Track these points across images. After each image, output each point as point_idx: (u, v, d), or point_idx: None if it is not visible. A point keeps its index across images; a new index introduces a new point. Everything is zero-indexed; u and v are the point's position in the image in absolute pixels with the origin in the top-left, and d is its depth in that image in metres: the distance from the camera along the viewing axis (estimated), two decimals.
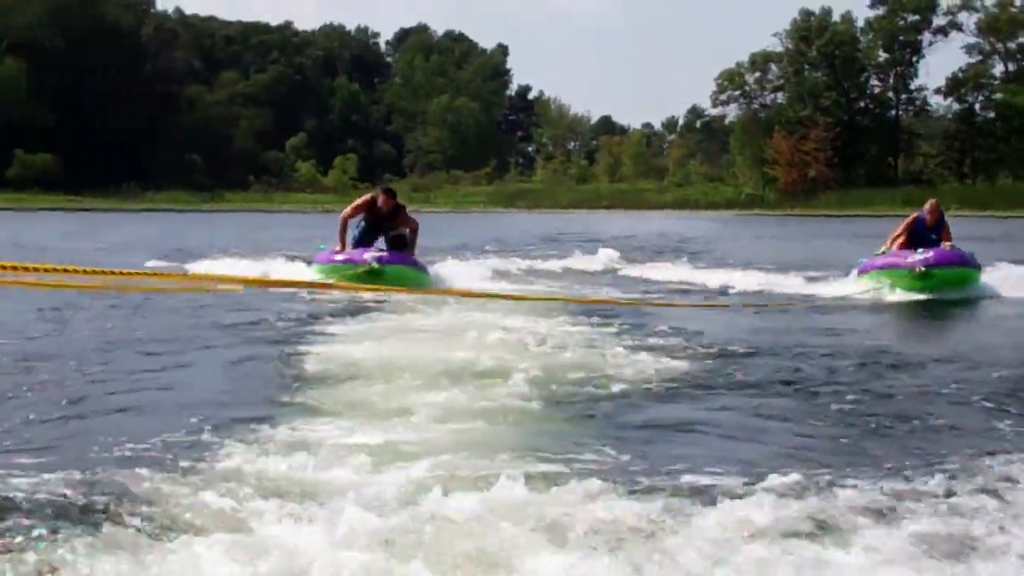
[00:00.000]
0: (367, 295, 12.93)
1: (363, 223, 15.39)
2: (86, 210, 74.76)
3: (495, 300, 11.93)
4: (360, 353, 8.69)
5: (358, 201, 15.58)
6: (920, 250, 14.23)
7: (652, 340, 9.73)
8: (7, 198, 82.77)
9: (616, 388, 7.39)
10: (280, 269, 16.86)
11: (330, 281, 13.95)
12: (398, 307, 12.21)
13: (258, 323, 11.04)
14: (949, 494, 4.75)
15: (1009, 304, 13.72)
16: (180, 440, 5.72)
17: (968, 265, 14.23)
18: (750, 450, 5.76)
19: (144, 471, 4.91)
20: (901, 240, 15.07)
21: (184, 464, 5.18)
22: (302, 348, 8.99)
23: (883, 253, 15.02)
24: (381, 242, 15.32)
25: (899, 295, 13.83)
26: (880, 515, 4.40)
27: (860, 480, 4.95)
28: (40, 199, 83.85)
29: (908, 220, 15.20)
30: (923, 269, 13.64)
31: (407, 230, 15.24)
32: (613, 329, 10.58)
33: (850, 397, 7.18)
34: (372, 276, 13.79)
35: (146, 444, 5.57)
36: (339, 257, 14.85)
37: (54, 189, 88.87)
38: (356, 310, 11.97)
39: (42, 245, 28.11)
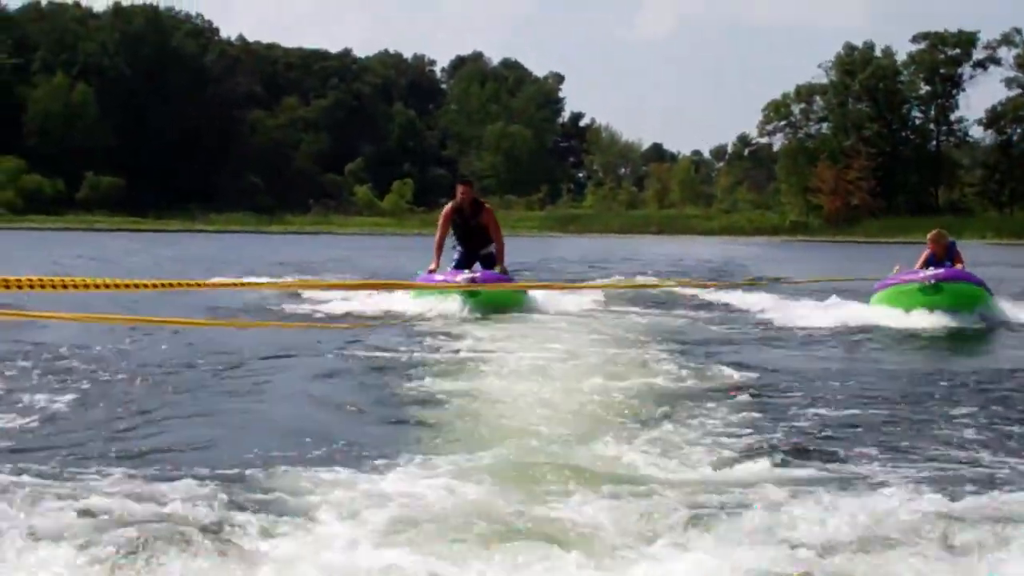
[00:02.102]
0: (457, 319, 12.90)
1: (457, 245, 15.22)
2: (155, 231, 77.40)
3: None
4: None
5: (441, 219, 15.21)
6: (931, 268, 14.70)
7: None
8: (77, 219, 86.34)
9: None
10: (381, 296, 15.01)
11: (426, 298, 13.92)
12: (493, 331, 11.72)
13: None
14: None
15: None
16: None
17: (977, 284, 14.44)
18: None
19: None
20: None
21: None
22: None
23: (897, 272, 15.32)
24: (477, 266, 14.98)
25: (906, 319, 13.85)
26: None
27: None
28: (108, 220, 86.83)
29: (924, 254, 15.40)
30: (933, 282, 14.01)
31: (494, 248, 15.14)
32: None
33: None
34: (471, 297, 13.55)
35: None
36: (437, 277, 14.45)
37: (121, 210, 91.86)
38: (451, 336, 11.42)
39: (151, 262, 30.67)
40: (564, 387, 7.98)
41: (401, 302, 14.22)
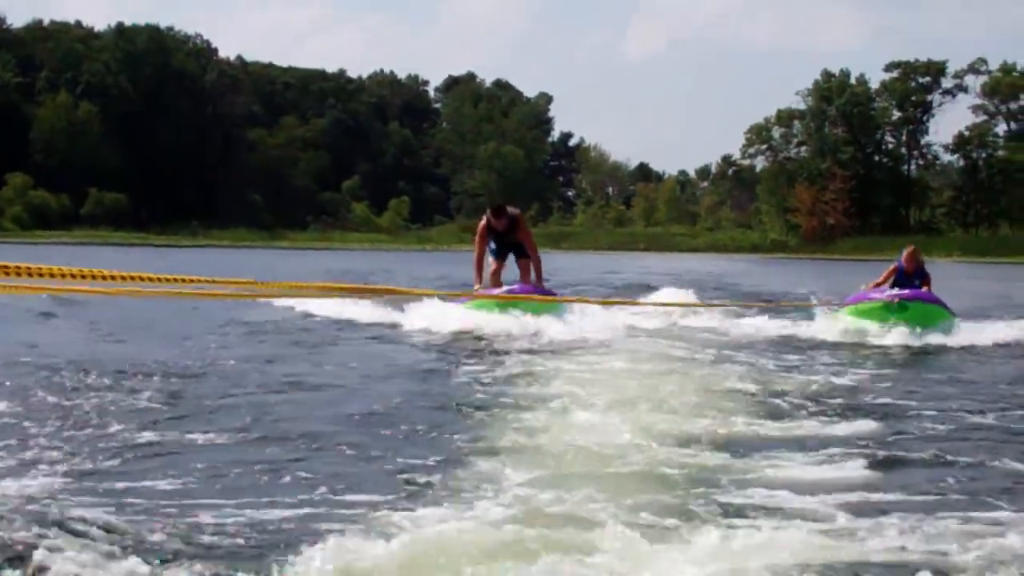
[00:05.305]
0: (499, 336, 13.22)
1: (492, 252, 15.63)
2: (166, 246, 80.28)
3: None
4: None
5: (478, 236, 15.60)
6: (897, 288, 15.38)
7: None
8: (86, 234, 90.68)
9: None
10: (436, 310, 15.05)
11: (475, 311, 14.33)
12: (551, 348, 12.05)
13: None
14: None
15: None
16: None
17: (942, 306, 15.07)
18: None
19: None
20: (882, 285, 15.96)
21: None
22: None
23: (865, 289, 15.95)
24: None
25: (878, 334, 14.40)
26: None
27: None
28: (117, 235, 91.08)
29: (891, 268, 15.99)
30: (899, 300, 14.65)
31: (532, 267, 15.53)
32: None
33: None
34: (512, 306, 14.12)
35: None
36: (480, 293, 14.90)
37: (124, 226, 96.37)
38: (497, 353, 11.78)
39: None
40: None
41: (453, 318, 14.51)
